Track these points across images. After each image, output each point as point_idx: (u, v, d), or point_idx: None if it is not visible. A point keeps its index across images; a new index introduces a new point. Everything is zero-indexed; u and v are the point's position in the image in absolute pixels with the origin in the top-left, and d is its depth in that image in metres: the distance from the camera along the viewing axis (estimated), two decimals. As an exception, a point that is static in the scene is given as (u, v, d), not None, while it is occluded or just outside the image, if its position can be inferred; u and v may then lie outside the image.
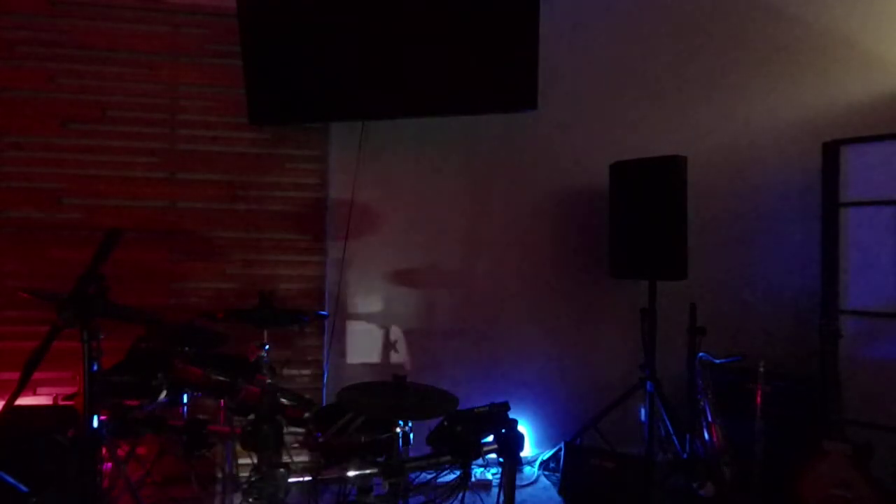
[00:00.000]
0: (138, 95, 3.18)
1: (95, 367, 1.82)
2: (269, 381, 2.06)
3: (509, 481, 2.06)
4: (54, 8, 3.09)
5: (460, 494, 2.08)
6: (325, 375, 3.37)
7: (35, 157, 3.10)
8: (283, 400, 2.35)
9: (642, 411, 3.23)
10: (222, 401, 2.47)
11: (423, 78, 3.06)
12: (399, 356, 3.46)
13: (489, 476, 3.18)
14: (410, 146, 3.44)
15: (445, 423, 2.12)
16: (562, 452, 3.17)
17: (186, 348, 2.49)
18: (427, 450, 2.15)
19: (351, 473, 1.96)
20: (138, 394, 2.31)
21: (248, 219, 3.30)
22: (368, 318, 3.44)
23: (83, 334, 1.78)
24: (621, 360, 3.56)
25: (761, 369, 2.65)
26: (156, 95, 3.20)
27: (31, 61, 3.09)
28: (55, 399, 2.98)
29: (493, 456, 2.07)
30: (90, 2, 3.12)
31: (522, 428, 3.32)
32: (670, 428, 3.12)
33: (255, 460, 1.85)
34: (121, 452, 2.41)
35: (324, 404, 3.32)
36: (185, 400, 2.60)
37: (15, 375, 1.69)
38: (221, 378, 2.23)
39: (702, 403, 2.87)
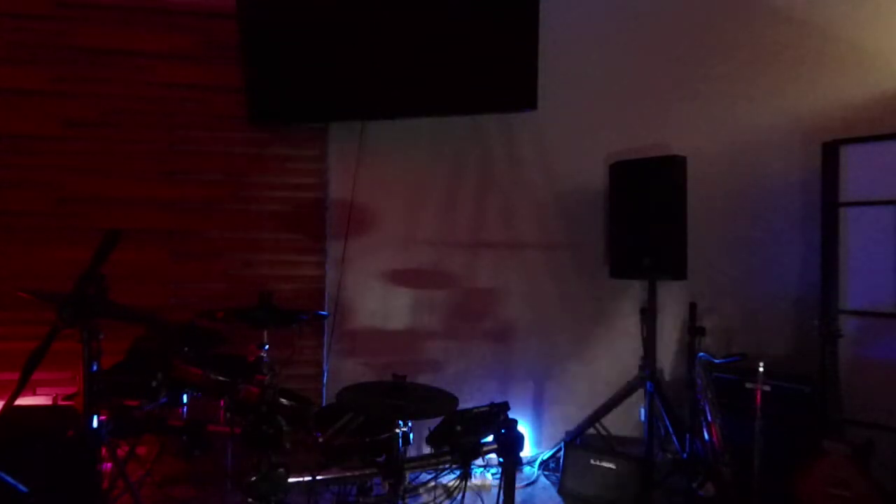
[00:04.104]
0: (138, 96, 3.18)
1: (95, 367, 1.82)
2: (268, 381, 2.07)
3: (509, 481, 2.06)
4: (55, 9, 3.08)
5: (460, 494, 2.09)
6: (325, 375, 3.37)
7: (35, 157, 3.10)
8: (283, 400, 2.36)
9: (642, 411, 3.23)
10: (222, 401, 2.48)
11: (422, 78, 3.06)
12: (399, 356, 3.46)
13: (489, 476, 3.18)
14: (410, 146, 3.44)
15: (445, 423, 2.12)
16: (562, 452, 3.17)
17: (186, 348, 2.49)
18: (427, 450, 2.15)
19: (351, 473, 1.96)
20: (138, 394, 2.31)
21: (248, 219, 3.30)
22: (368, 317, 3.44)
23: (83, 334, 1.78)
24: (621, 360, 3.56)
25: (761, 369, 2.65)
26: (156, 95, 3.19)
27: (31, 61, 3.09)
28: (55, 399, 2.98)
29: (493, 456, 2.07)
30: (91, 3, 3.11)
31: (522, 428, 3.32)
32: (670, 428, 3.12)
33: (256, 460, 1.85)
34: (121, 452, 2.41)
35: (324, 404, 3.33)
36: (185, 400, 2.61)
37: (15, 375, 1.68)
38: (221, 378, 2.23)
39: (702, 403, 2.86)
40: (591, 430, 3.35)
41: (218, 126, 3.26)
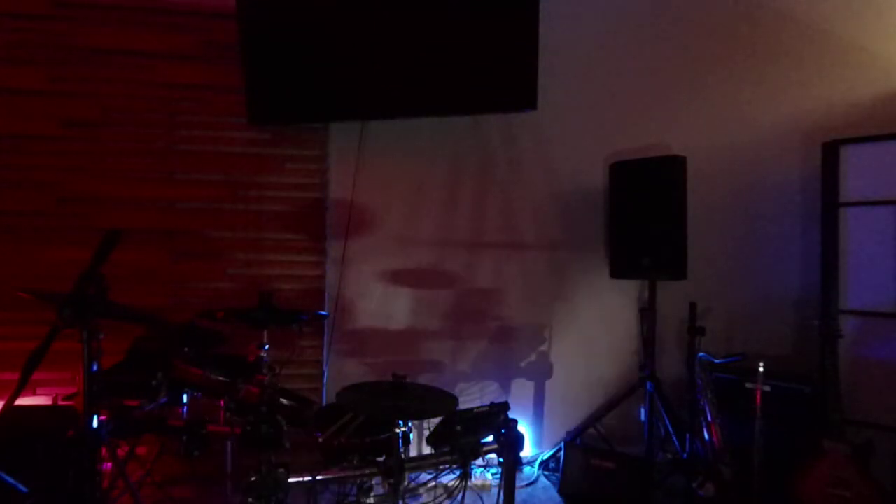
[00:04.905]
0: (138, 95, 3.18)
1: (95, 367, 1.82)
2: (268, 381, 2.07)
3: (509, 481, 2.06)
4: (55, 9, 3.08)
5: (460, 494, 2.08)
6: (325, 375, 3.37)
7: (35, 157, 3.10)
8: (283, 400, 2.36)
9: (642, 411, 3.23)
10: (222, 401, 2.48)
11: (422, 78, 3.06)
12: (399, 356, 3.46)
13: (489, 476, 3.18)
14: (410, 146, 3.44)
15: (445, 423, 2.12)
16: (562, 452, 3.17)
17: (186, 348, 2.49)
18: (427, 450, 2.15)
19: (351, 473, 1.96)
20: (138, 394, 2.31)
21: (248, 219, 3.30)
22: (368, 317, 3.44)
23: (83, 334, 1.78)
24: (621, 360, 3.56)
25: (761, 369, 2.65)
26: (156, 95, 3.19)
27: (31, 61, 3.09)
28: (55, 399, 2.98)
29: (493, 456, 2.07)
30: (90, 2, 3.11)
31: (522, 428, 3.33)
32: (670, 428, 3.12)
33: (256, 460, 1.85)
34: (121, 452, 2.41)
35: (324, 404, 3.33)
36: (185, 400, 2.61)
37: (15, 375, 1.69)
38: (221, 378, 2.23)
39: (702, 403, 2.86)
40: (591, 430, 3.35)
41: (218, 126, 3.26)
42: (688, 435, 2.98)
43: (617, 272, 3.32)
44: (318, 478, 1.88)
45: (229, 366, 2.39)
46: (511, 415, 2.18)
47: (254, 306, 2.55)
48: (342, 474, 1.96)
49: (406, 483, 1.98)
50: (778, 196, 3.50)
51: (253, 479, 1.76)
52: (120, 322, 2.31)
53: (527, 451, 3.47)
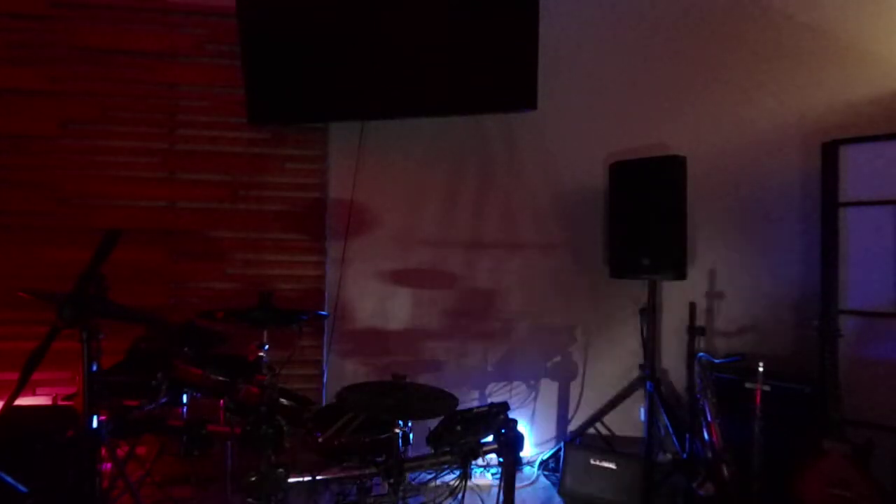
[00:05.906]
0: (138, 95, 3.18)
1: (95, 367, 1.82)
2: (268, 381, 2.07)
3: (509, 481, 2.06)
4: (54, 8, 3.09)
5: (460, 494, 2.09)
6: (325, 375, 3.37)
7: (35, 157, 3.10)
8: (283, 400, 2.36)
9: (642, 411, 3.23)
10: (222, 401, 2.48)
11: (422, 78, 3.06)
12: (399, 356, 3.46)
13: (489, 476, 3.18)
14: (410, 146, 3.44)
15: (445, 423, 2.12)
16: (562, 452, 3.18)
17: (186, 348, 2.49)
18: (427, 450, 2.16)
19: (351, 473, 1.96)
20: (138, 394, 2.31)
21: (248, 219, 3.30)
22: (368, 317, 3.44)
23: (83, 334, 1.79)
24: (621, 360, 3.56)
25: (761, 369, 2.65)
26: (156, 95, 3.20)
27: (31, 61, 3.09)
28: (55, 399, 2.98)
29: (493, 456, 2.07)
30: (90, 2, 3.12)
31: (522, 428, 3.33)
32: (670, 428, 3.12)
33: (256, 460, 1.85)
34: (121, 452, 2.41)
35: (324, 404, 3.33)
36: (185, 400, 2.61)
37: (15, 375, 1.69)
38: (221, 378, 2.23)
39: (701, 403, 2.86)
40: (591, 430, 3.35)
41: (218, 126, 3.26)
42: (688, 435, 2.98)
43: (617, 272, 3.32)
44: (318, 478, 1.88)
45: (229, 366, 2.39)
46: (511, 415, 2.18)
47: (254, 306, 2.55)
48: (342, 474, 1.96)
49: (406, 483, 1.98)
50: (778, 196, 3.50)
51: (253, 479, 1.76)
52: (120, 322, 2.31)
53: (527, 451, 3.47)
